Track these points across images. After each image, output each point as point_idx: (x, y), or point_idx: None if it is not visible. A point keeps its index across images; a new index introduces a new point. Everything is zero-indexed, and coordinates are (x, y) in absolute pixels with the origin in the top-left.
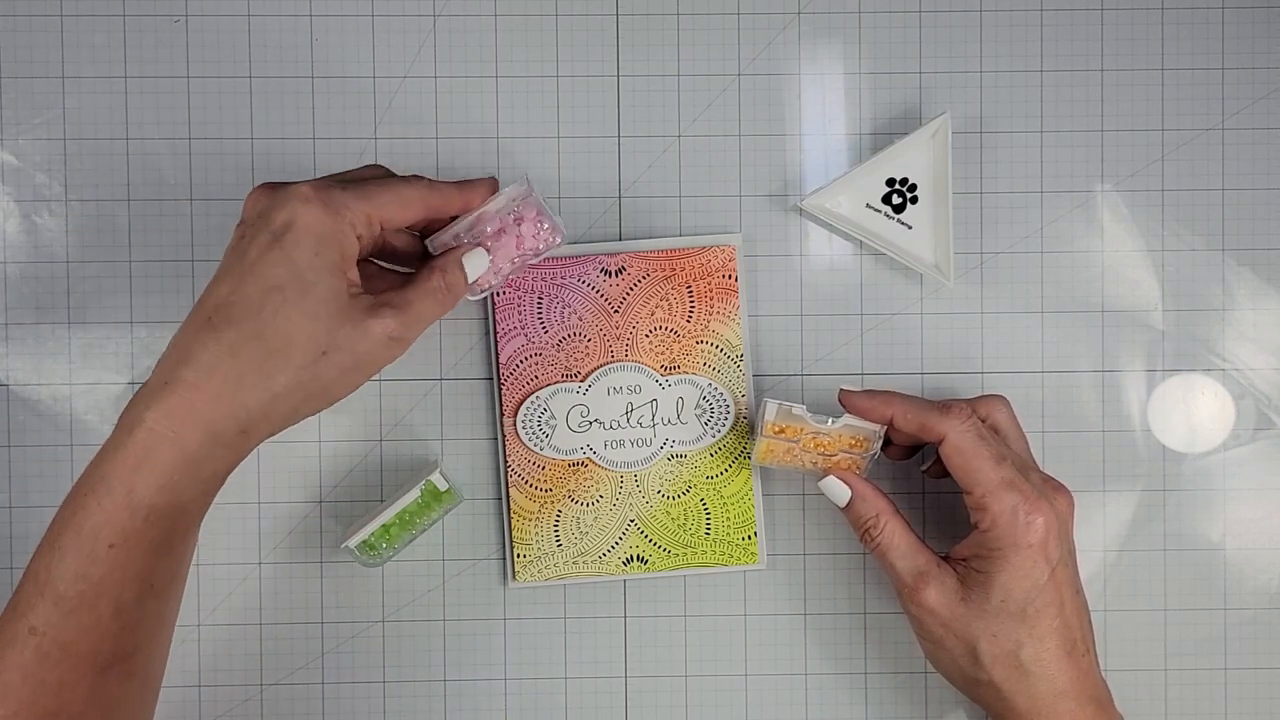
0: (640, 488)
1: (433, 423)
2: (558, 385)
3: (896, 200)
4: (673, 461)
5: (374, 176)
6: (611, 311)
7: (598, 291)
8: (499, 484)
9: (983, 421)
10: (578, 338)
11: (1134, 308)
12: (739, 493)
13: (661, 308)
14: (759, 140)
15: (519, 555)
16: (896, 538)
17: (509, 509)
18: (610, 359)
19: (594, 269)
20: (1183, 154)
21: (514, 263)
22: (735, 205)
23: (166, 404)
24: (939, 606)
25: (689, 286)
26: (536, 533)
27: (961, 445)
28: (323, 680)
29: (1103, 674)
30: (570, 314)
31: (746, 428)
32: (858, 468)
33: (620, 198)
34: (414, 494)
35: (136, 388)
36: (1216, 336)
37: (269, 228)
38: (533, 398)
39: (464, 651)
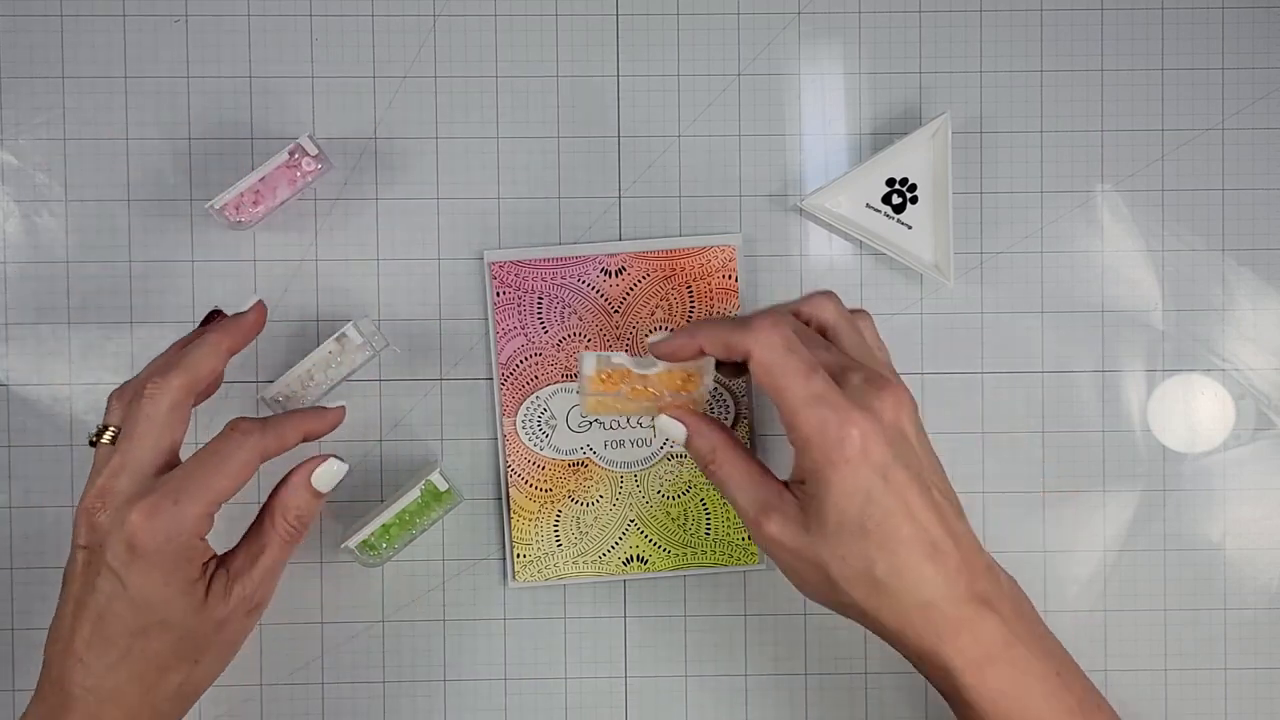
0: (640, 488)
1: (433, 423)
2: (558, 385)
3: (896, 200)
4: (673, 461)
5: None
6: (611, 311)
7: (598, 291)
8: (499, 484)
9: (807, 324)
10: (578, 338)
11: (1134, 308)
12: None
13: (661, 308)
14: (759, 140)
15: (519, 555)
16: (735, 470)
17: (509, 509)
18: None
19: (594, 269)
20: (1183, 154)
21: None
22: (735, 205)
23: None
24: (784, 537)
25: (689, 286)
26: (536, 533)
27: (767, 361)
28: (323, 680)
29: (989, 563)
30: (570, 314)
31: (746, 427)
32: (695, 404)
33: (620, 198)
34: (414, 494)
35: None
36: (1216, 336)
37: (112, 563)
38: (533, 398)
39: (464, 651)
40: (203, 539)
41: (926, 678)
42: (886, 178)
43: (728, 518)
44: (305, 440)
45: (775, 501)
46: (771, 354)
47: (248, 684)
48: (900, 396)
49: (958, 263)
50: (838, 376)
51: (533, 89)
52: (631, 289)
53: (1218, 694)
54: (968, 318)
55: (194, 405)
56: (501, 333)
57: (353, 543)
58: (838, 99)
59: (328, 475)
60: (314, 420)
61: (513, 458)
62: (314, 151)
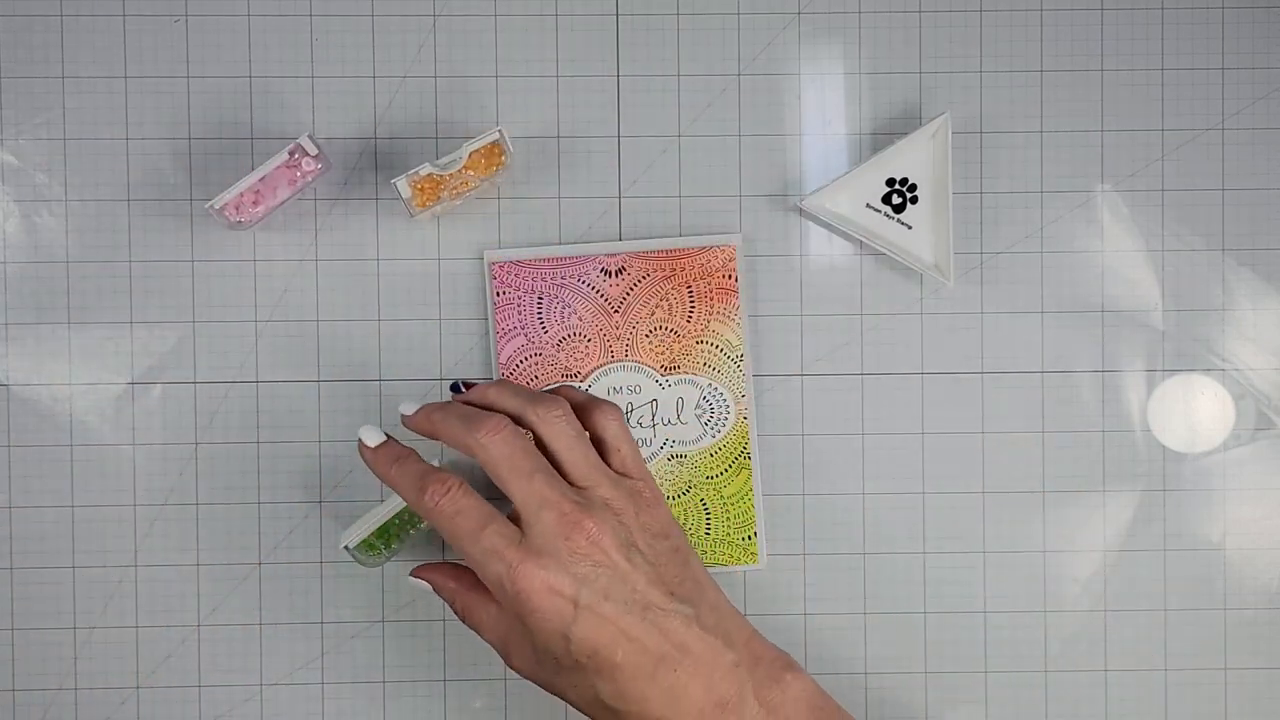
0: None
1: None
2: (558, 385)
3: (896, 200)
4: (673, 461)
5: None
6: (611, 311)
7: (598, 291)
8: None
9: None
10: (578, 338)
11: (1134, 308)
12: (739, 493)
13: (661, 308)
14: (759, 140)
15: None
16: (481, 613)
17: None
18: (610, 359)
19: (594, 269)
20: (1183, 154)
21: (290, 193)
22: (735, 205)
23: None
24: (524, 669)
25: (689, 286)
26: None
27: (438, 527)
28: (323, 680)
29: (737, 661)
30: (570, 314)
31: (746, 427)
32: (496, 167)
33: (620, 198)
34: None
35: (136, 388)
36: (1216, 336)
37: None
38: None
39: (464, 651)
40: None
41: None
42: (886, 178)
43: (728, 518)
44: None
45: (514, 637)
46: (444, 524)
47: (248, 684)
48: (594, 531)
49: (958, 263)
50: (530, 519)
51: (533, 89)
52: (631, 289)
53: (1218, 694)
54: (968, 318)
55: None
56: (501, 333)
57: (353, 543)
58: (838, 99)
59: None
60: None
61: None
62: (314, 151)
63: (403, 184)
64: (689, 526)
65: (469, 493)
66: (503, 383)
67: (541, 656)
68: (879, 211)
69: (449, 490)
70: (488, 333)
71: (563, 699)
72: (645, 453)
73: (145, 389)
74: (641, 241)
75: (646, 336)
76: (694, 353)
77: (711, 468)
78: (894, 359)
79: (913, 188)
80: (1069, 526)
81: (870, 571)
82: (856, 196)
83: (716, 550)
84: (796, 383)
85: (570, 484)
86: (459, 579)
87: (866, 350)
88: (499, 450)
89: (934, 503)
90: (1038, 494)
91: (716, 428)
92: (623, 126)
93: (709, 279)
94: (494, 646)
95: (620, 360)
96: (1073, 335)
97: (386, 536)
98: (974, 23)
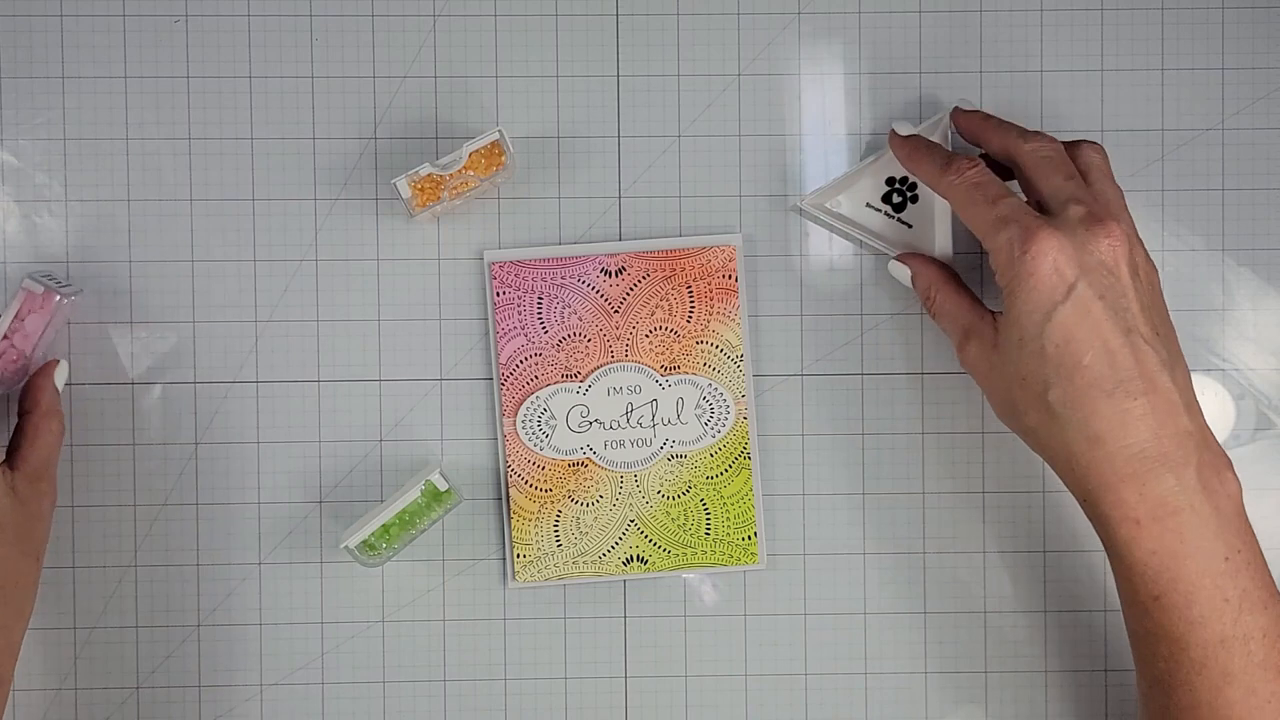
0: (640, 488)
1: (433, 423)
2: (558, 385)
3: (896, 200)
4: (673, 461)
5: None
6: (611, 311)
7: (598, 291)
8: (499, 484)
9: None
10: (578, 338)
11: None
12: (739, 493)
13: (661, 308)
14: (759, 140)
15: (519, 555)
16: (947, 303)
17: (509, 509)
18: (610, 359)
19: (594, 269)
20: (1183, 154)
21: (54, 331)
22: (735, 205)
23: None
24: (976, 359)
25: (689, 286)
26: (536, 533)
27: (955, 198)
28: (323, 680)
29: (1190, 431)
30: (570, 314)
31: (746, 427)
32: (499, 167)
33: (620, 198)
34: (414, 494)
35: (136, 388)
36: (1216, 336)
37: None
38: (533, 398)
39: (464, 651)
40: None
41: (1092, 523)
42: (886, 177)
43: (728, 518)
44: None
45: (977, 326)
46: (955, 191)
47: (248, 684)
48: (1118, 236)
49: (958, 262)
50: (1057, 208)
51: (533, 89)
52: (631, 289)
53: None
54: None
55: None
56: (501, 333)
57: (353, 543)
58: (838, 99)
59: (64, 373)
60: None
61: (513, 458)
62: (42, 289)
63: (403, 184)
64: (689, 526)
65: (991, 172)
66: (992, 119)
67: (1006, 337)
68: (879, 211)
69: (975, 163)
70: (488, 333)
71: (1003, 398)
72: (645, 453)
73: (145, 389)
74: (641, 241)
75: (646, 336)
76: (694, 353)
77: (711, 468)
78: (894, 359)
79: (913, 187)
80: (1069, 526)
81: (870, 571)
82: (856, 196)
83: (716, 550)
84: (796, 383)
85: None
86: (938, 268)
87: (866, 350)
88: (971, 181)
89: (934, 503)
90: (1038, 494)
91: (716, 428)
92: (623, 126)
93: (709, 279)
94: (953, 336)
95: (620, 360)
96: None
97: (387, 536)
98: (974, 23)
